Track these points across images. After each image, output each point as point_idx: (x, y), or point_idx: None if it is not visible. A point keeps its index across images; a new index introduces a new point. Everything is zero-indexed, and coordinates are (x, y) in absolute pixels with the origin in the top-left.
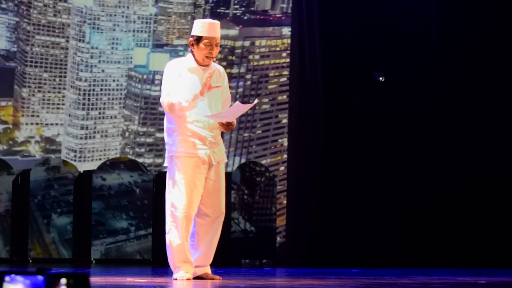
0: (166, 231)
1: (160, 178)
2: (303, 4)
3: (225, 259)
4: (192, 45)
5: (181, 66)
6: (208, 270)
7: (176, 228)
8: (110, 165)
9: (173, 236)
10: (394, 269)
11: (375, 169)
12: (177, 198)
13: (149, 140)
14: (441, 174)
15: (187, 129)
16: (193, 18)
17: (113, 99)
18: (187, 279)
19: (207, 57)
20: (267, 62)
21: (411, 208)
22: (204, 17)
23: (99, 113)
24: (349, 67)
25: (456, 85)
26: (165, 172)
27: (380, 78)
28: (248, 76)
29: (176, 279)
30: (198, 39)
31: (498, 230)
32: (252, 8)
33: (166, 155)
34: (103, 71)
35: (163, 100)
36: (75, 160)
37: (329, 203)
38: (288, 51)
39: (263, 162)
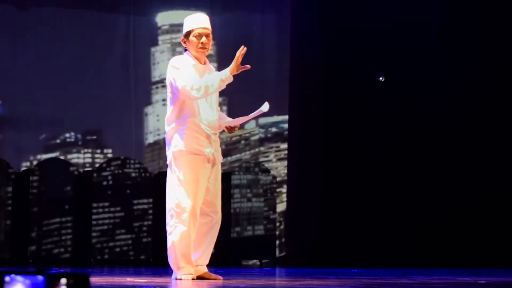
0: (168, 231)
1: (160, 178)
2: (303, 3)
3: (225, 259)
4: (185, 42)
5: (186, 61)
6: (206, 269)
7: (181, 229)
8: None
9: (178, 237)
10: (394, 269)
11: (375, 169)
12: (183, 198)
13: None
14: (441, 175)
15: (196, 125)
16: None
17: None
18: (192, 279)
19: (199, 48)
20: None
21: (412, 208)
22: None
23: None
24: (349, 67)
25: (456, 85)
26: (165, 172)
27: (380, 78)
28: None
29: (180, 279)
30: (188, 33)
31: (498, 230)
32: None
33: (169, 150)
34: None
35: (185, 83)
36: None
37: (329, 203)
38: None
39: (263, 162)
